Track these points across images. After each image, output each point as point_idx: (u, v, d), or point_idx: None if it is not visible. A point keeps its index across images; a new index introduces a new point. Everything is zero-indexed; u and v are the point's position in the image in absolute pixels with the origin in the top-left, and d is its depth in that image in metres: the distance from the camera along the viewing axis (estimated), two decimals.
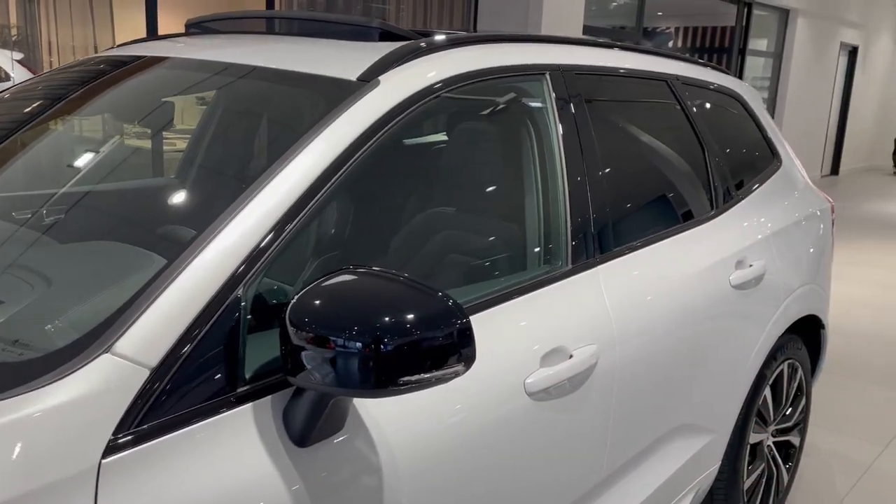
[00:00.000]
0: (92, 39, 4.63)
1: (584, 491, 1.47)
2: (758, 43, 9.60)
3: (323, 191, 1.11)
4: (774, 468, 2.22)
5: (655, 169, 1.78)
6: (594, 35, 6.97)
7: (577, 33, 6.08)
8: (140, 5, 4.52)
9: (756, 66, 9.67)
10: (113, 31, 4.65)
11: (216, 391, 0.96)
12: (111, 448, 0.86)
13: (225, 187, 1.16)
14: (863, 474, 2.70)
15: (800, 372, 2.22)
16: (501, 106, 1.51)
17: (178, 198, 1.37)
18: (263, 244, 1.03)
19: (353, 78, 1.28)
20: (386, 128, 1.23)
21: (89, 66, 1.68)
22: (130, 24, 4.94)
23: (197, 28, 1.83)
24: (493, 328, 1.29)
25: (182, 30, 1.90)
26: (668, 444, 1.68)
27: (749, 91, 2.33)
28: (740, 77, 9.57)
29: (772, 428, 2.14)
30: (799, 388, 2.26)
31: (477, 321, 1.28)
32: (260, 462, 0.96)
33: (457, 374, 0.96)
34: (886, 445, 2.93)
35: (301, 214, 1.07)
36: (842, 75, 11.79)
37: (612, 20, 7.94)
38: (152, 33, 4.57)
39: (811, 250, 2.18)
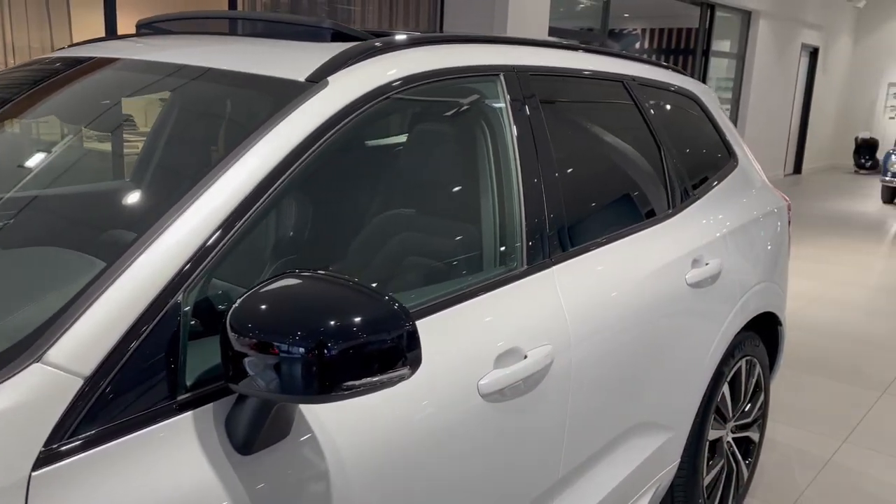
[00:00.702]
0: (49, 40, 4.54)
1: (541, 491, 1.47)
2: (721, 44, 9.75)
3: (268, 193, 1.09)
4: (734, 464, 2.25)
5: (612, 169, 1.79)
6: (560, 37, 7.01)
7: (543, 35, 6.11)
8: (98, 5, 4.44)
9: (720, 67, 9.81)
10: (70, 31, 4.56)
11: (156, 399, 0.93)
12: (42, 460, 0.83)
13: (170, 190, 1.14)
14: (822, 468, 2.74)
15: (758, 368, 2.25)
16: (455, 107, 1.50)
17: (126, 201, 1.35)
18: (205, 248, 1.01)
19: (302, 79, 1.26)
20: (335, 129, 1.21)
21: (35, 68, 1.64)
22: (88, 25, 4.86)
23: (148, 29, 1.80)
24: (446, 330, 1.28)
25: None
26: (627, 442, 1.69)
27: (705, 91, 2.36)
28: (704, 78, 9.72)
29: (731, 424, 2.16)
30: (757, 384, 2.29)
31: (431, 323, 1.27)
32: (201, 471, 0.94)
33: (402, 378, 0.95)
34: (844, 440, 2.98)
35: (246, 217, 1.05)
36: (803, 76, 12.02)
37: (578, 22, 8.00)
38: (111, 33, 4.49)
39: (768, 248, 2.21)
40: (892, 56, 13.36)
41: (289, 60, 1.34)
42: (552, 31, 6.22)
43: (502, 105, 1.55)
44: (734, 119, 9.98)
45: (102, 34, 4.41)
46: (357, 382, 0.91)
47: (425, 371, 1.23)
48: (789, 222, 2.46)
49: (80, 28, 4.61)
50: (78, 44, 1.85)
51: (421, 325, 1.25)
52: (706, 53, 9.21)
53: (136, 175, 1.68)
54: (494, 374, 1.31)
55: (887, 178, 9.38)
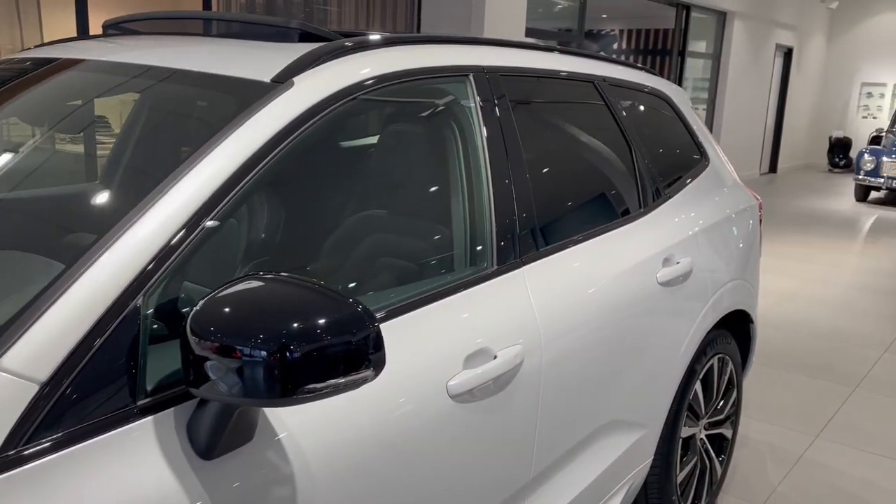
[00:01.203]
0: (19, 41, 4.48)
1: (513, 491, 1.47)
2: (697, 45, 9.83)
3: (232, 195, 1.08)
4: (707, 461, 2.27)
5: (583, 169, 1.80)
6: (537, 37, 7.03)
7: (520, 36, 6.13)
8: (70, 5, 4.38)
9: (696, 67, 9.90)
10: (41, 31, 4.50)
11: (115, 405, 0.92)
12: None
13: (133, 192, 1.13)
14: (794, 464, 2.77)
15: (730, 366, 2.27)
16: (424, 108, 1.50)
17: (89, 203, 1.33)
18: (167, 251, 0.99)
19: (267, 79, 1.25)
20: (301, 130, 1.20)
21: (2, 69, 1.62)
22: (60, 25, 4.79)
23: (115, 29, 1.78)
24: (416, 331, 1.28)
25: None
26: (599, 440, 1.70)
27: (677, 92, 2.37)
28: (680, 78, 9.79)
29: (704, 421, 2.18)
30: (730, 381, 2.31)
31: (400, 323, 1.27)
32: (162, 477, 0.93)
33: (366, 380, 0.95)
34: (817, 435, 3.02)
35: (209, 219, 1.04)
36: (778, 76, 12.17)
37: (555, 23, 8.03)
38: (83, 34, 4.43)
39: (739, 246, 2.23)
40: (864, 56, 13.57)
41: (255, 61, 1.33)
42: (529, 32, 6.23)
43: (472, 105, 1.55)
44: (710, 119, 10.08)
45: (74, 34, 4.35)
46: (320, 385, 0.90)
47: (394, 372, 1.22)
48: (761, 221, 2.49)
49: (51, 28, 4.55)
50: (45, 44, 1.82)
51: (391, 325, 1.25)
52: (682, 54, 9.29)
53: (103, 177, 1.66)
54: (464, 375, 1.31)
55: (860, 177, 9.52)
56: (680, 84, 9.18)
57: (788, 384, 3.53)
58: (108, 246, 0.97)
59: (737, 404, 2.39)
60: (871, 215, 8.78)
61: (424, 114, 1.50)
